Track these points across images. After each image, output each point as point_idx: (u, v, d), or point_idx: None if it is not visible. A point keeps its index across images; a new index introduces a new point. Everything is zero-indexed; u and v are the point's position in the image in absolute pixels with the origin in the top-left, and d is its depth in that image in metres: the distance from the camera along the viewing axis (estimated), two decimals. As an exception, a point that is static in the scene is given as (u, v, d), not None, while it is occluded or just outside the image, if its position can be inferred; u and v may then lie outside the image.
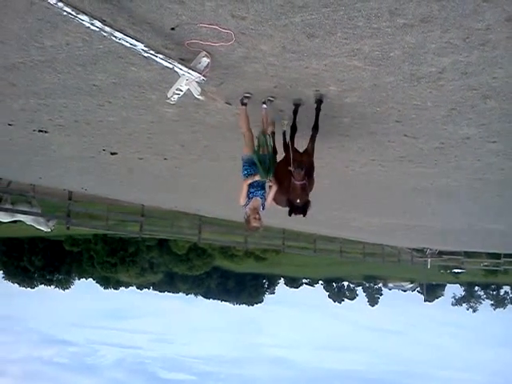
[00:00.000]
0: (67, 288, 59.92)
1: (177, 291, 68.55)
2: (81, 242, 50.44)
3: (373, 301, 79.23)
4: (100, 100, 6.43)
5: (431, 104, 5.69)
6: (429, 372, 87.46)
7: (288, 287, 76.88)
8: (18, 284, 57.41)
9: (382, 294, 79.41)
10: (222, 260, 57.24)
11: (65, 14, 3.82)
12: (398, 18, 3.90)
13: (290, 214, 5.32)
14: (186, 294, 70.04)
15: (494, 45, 4.20)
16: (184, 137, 8.14)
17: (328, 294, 79.44)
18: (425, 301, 65.41)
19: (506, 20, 3.81)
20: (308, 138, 5.65)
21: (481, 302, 72.71)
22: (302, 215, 5.30)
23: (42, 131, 8.17)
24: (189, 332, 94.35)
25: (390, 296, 79.99)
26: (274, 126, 5.99)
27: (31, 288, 58.40)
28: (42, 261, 53.70)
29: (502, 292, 70.81)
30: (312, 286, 79.30)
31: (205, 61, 4.64)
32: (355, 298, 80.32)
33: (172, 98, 5.05)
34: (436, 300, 73.18)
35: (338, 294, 79.49)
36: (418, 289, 71.69)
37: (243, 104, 5.60)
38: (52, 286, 58.81)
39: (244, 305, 71.88)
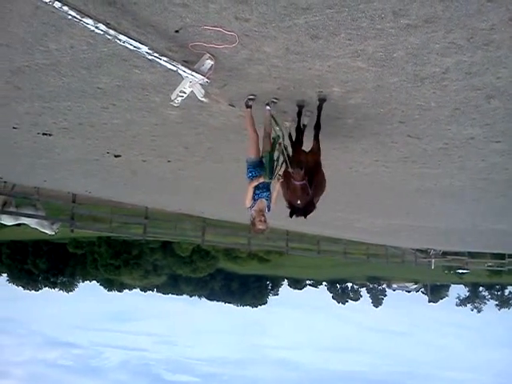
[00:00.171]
0: (71, 290, 60.04)
1: (180, 293, 68.56)
2: (85, 245, 50.47)
3: (377, 302, 79.04)
4: (104, 103, 6.45)
5: (435, 104, 5.69)
6: (433, 373, 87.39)
7: (292, 289, 76.75)
8: (23, 287, 57.54)
9: (385, 295, 79.28)
10: (225, 262, 57.21)
11: (69, 17, 3.84)
12: (402, 19, 3.91)
13: (290, 216, 5.29)
14: (190, 296, 70.10)
15: (498, 44, 4.20)
16: (188, 139, 8.15)
17: (332, 295, 79.29)
18: (429, 301, 65.20)
19: (510, 20, 3.81)
20: (311, 137, 5.66)
21: (485, 303, 72.39)
22: (302, 217, 5.28)
23: (46, 134, 8.19)
24: (193, 334, 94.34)
25: (394, 297, 79.91)
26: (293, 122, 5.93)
27: (35, 291, 58.56)
28: (46, 263, 53.77)
29: (506, 292, 70.42)
30: (316, 287, 79.15)
31: (208, 63, 4.65)
32: (359, 299, 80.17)
33: (176, 101, 5.06)
34: (440, 301, 72.89)
35: (341, 295, 79.31)
36: (422, 289, 71.48)
37: (248, 106, 5.60)
38: (56, 289, 58.91)
39: (248, 306, 71.82)
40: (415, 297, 76.39)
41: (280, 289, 75.78)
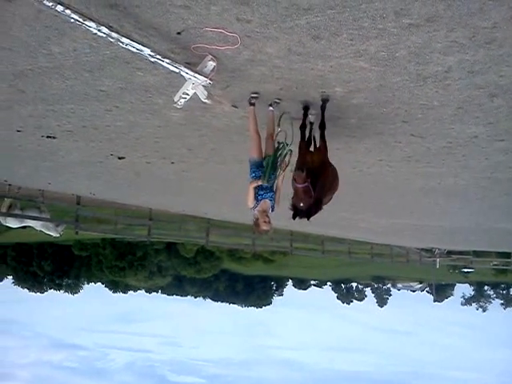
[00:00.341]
0: (76, 292, 60.22)
1: (185, 294, 68.72)
2: (89, 247, 50.65)
3: (382, 301, 78.89)
4: (107, 105, 6.47)
5: (438, 103, 5.68)
6: (438, 372, 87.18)
7: (296, 289, 76.78)
8: (28, 289, 57.78)
9: (390, 295, 79.15)
10: (230, 262, 57.29)
11: (72, 20, 3.86)
12: (404, 18, 3.90)
13: (293, 218, 5.27)
14: (195, 297, 70.22)
15: (501, 43, 4.19)
16: (191, 140, 8.17)
17: (336, 295, 79.23)
18: (434, 301, 65.00)
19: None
20: (317, 137, 5.69)
21: (490, 302, 72.19)
22: (306, 218, 5.26)
23: (50, 137, 8.23)
24: (197, 335, 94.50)
25: (399, 296, 79.83)
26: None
27: (40, 293, 58.79)
28: (51, 266, 53.99)
29: (511, 291, 70.26)
30: (320, 287, 79.11)
31: (211, 64, 4.66)
32: (364, 298, 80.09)
33: (179, 102, 5.07)
34: (445, 300, 72.73)
35: (346, 295, 79.22)
36: (427, 289, 71.27)
37: (251, 104, 5.58)
38: (61, 291, 59.13)
39: (252, 307, 71.87)
40: (420, 296, 76.35)
41: (284, 289, 75.93)
